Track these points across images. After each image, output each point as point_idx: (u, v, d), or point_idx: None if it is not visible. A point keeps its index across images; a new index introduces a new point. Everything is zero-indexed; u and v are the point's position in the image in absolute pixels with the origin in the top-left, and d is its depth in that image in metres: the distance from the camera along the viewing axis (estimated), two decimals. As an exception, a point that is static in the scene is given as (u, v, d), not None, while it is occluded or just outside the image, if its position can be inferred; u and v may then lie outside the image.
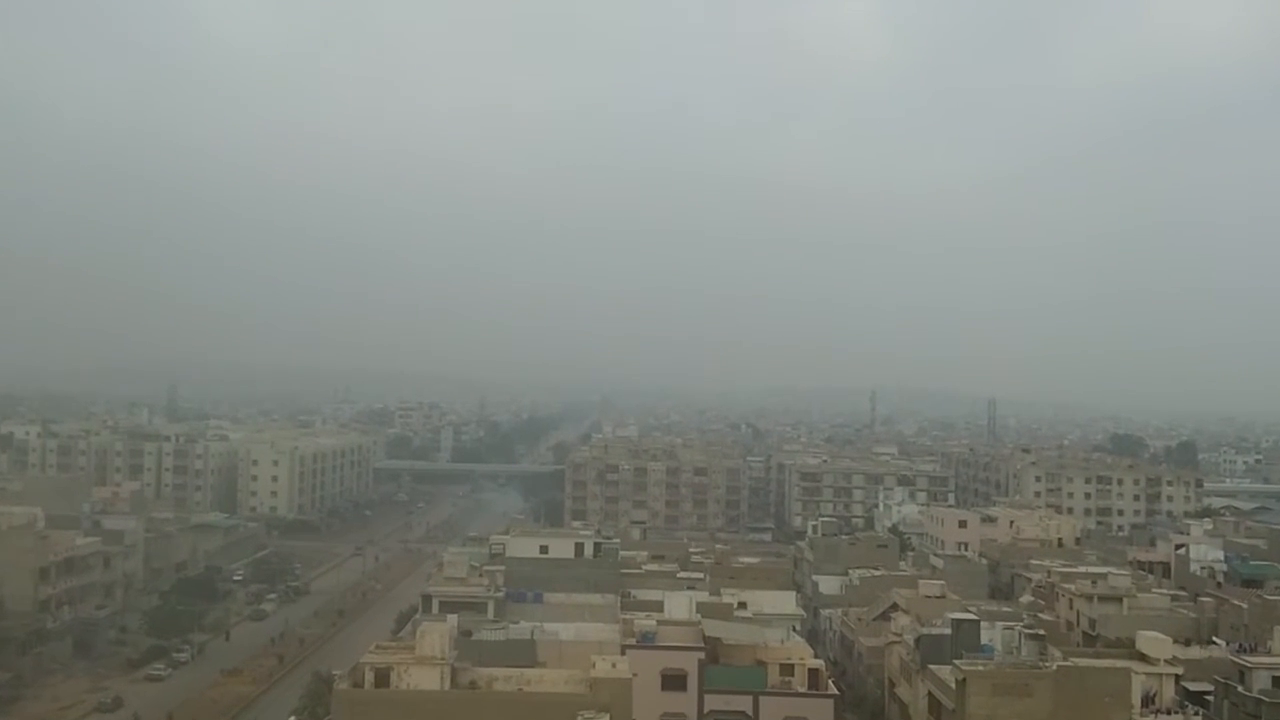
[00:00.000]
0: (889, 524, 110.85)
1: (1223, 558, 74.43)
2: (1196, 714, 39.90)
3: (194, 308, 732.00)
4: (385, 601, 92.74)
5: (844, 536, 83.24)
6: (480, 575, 57.80)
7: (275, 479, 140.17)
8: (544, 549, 65.27)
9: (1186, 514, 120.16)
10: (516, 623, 50.03)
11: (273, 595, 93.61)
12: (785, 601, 60.74)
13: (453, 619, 48.17)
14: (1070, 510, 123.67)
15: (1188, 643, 51.11)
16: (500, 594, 54.48)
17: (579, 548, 65.74)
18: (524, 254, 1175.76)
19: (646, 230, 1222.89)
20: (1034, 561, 72.81)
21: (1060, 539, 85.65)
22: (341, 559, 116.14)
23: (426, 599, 54.01)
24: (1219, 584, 67.42)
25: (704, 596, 56.19)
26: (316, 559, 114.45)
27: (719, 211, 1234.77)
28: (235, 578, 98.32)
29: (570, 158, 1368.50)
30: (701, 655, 44.75)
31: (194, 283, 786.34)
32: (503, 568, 59.28)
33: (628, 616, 50.41)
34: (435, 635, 35.45)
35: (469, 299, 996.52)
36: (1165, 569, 74.88)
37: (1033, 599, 64.52)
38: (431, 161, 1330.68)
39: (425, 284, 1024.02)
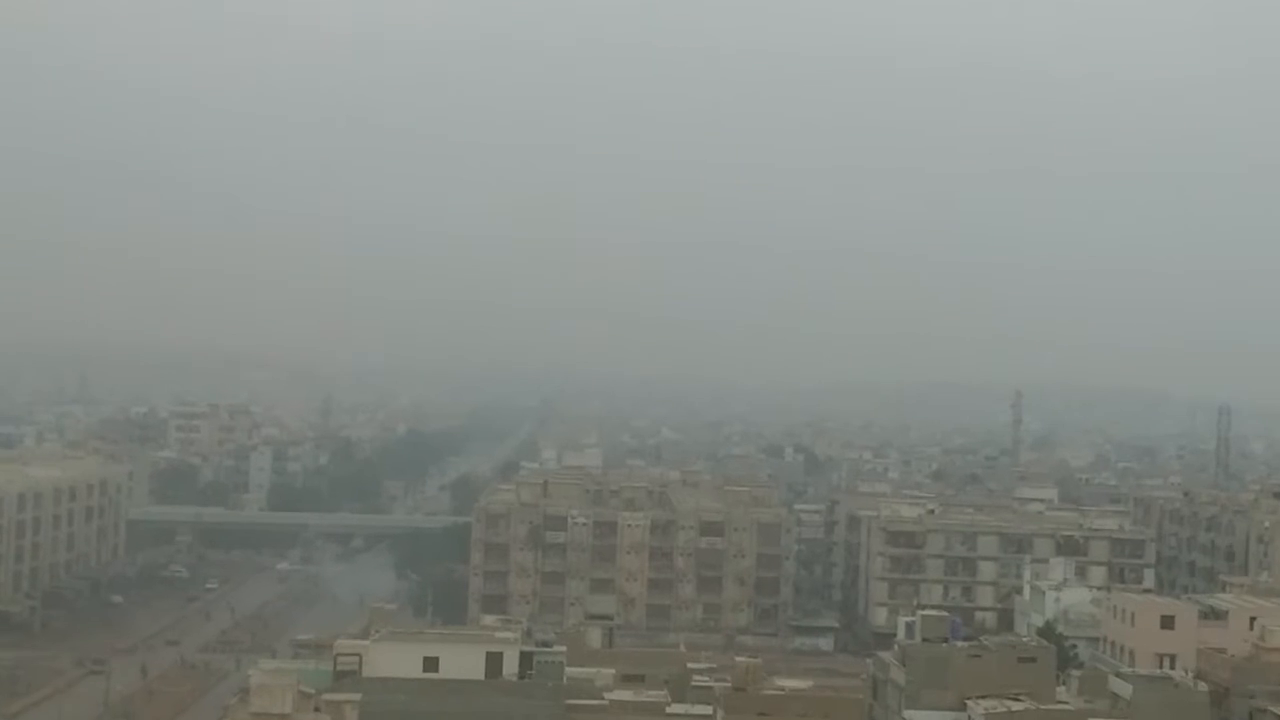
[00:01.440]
0: (1040, 621, 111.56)
1: None
2: None
3: None
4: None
5: (961, 643, 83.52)
6: (317, 709, 57.75)
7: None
8: (431, 663, 65.28)
9: None
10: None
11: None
12: (855, 756, 60.97)
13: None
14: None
15: None
16: (351, 741, 54.42)
17: (494, 660, 65.81)
18: (413, 164, 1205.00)
19: (627, 137, 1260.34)
20: (1291, 688, 73.62)
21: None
22: (68, 679, 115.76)
23: (218, 750, 53.87)
24: None
25: (712, 746, 56.48)
26: (21, 679, 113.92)
27: (754, 108, 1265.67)
28: None
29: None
30: None
31: None
32: (358, 696, 59.26)
33: (576, 781, 50.41)
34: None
35: (309, 234, 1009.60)
36: None
37: (1288, 752, 65.15)
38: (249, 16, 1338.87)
39: (229, 209, 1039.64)
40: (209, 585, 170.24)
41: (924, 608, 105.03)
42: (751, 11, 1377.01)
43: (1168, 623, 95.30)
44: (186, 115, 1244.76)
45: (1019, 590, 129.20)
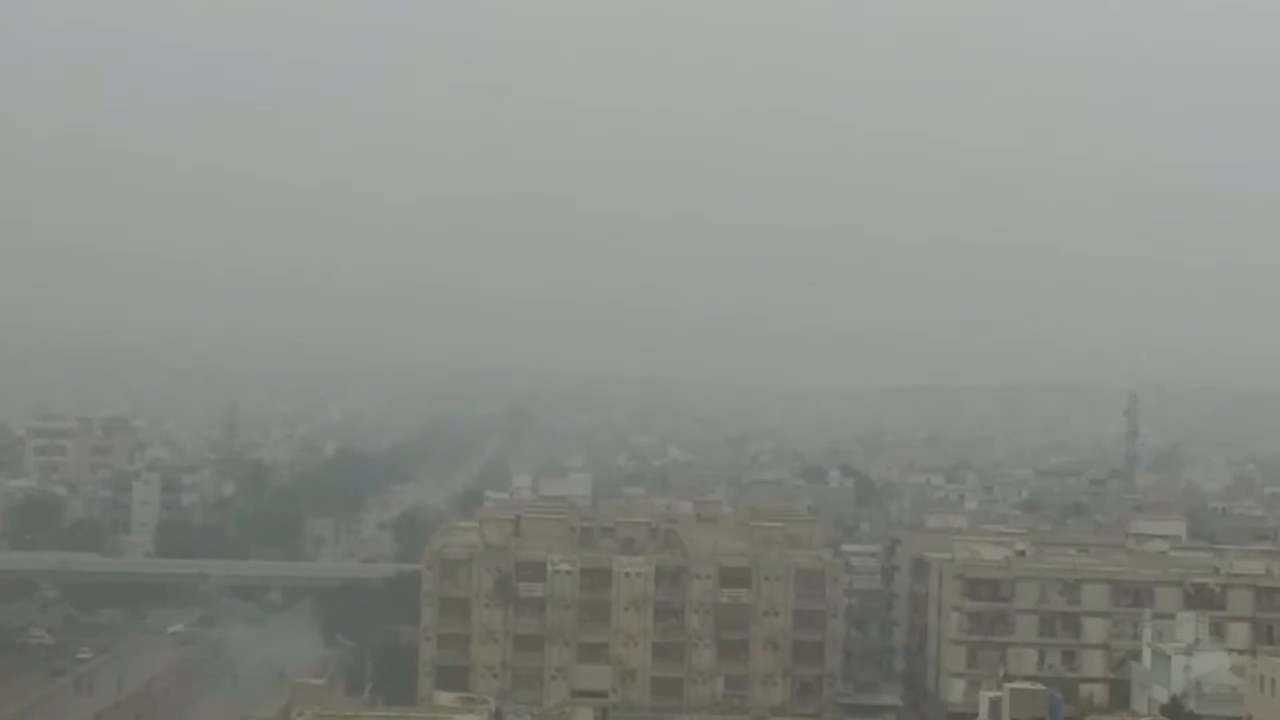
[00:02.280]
0: (1166, 695, 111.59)
1: None
2: None
3: None
4: None
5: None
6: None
7: None
8: (369, 755, 65.36)
9: None
10: None
11: None
12: None
13: None
14: None
15: None
16: None
17: (451, 752, 65.84)
18: (352, 120, 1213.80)
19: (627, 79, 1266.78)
20: None
21: None
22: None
23: None
24: None
25: None
26: None
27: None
28: None
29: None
30: None
31: None
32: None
33: None
34: None
35: (208, 202, 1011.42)
36: None
37: None
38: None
39: (101, 171, 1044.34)
40: (80, 654, 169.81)
41: (1013, 679, 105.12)
42: None
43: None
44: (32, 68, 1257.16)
45: (1137, 655, 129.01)
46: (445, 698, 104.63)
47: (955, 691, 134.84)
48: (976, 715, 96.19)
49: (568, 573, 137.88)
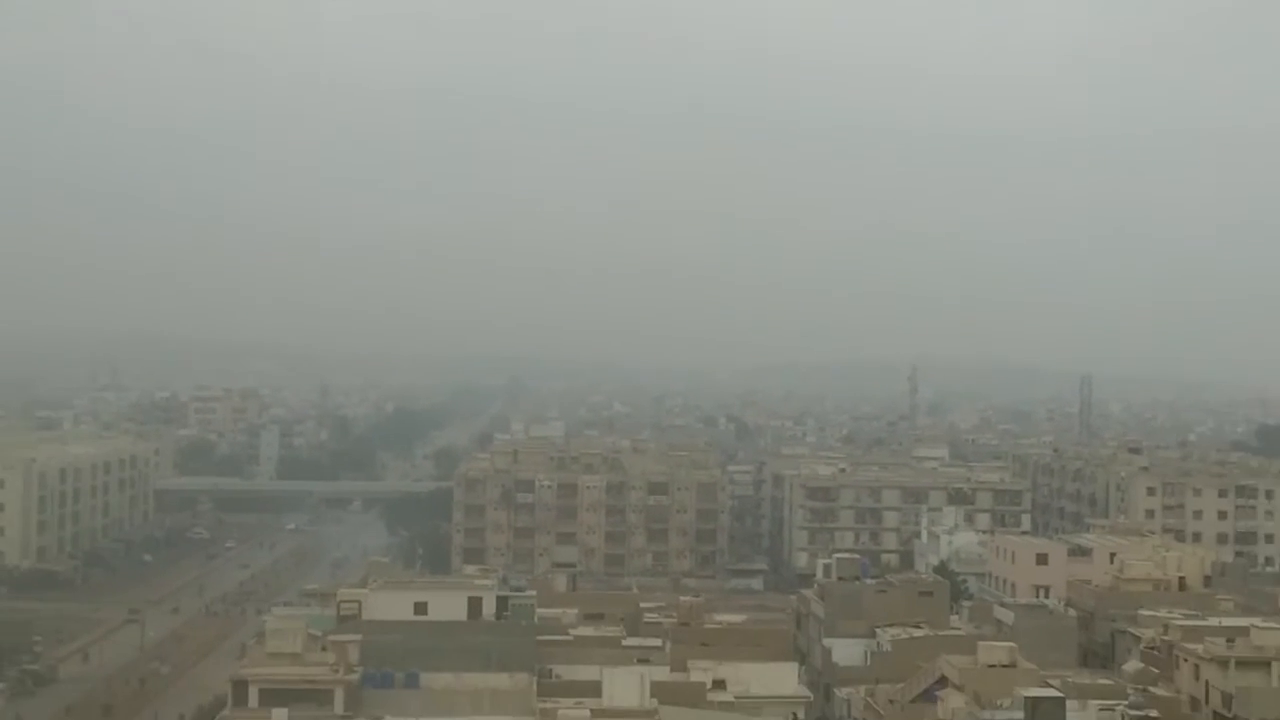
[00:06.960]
0: (936, 561, 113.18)
1: None
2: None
3: None
4: (177, 691, 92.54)
5: (870, 581, 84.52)
6: (324, 649, 57.74)
7: (0, 508, 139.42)
8: (421, 607, 65.33)
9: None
10: (380, 718, 50.73)
11: None
12: (783, 677, 62.06)
13: (281, 715, 48.46)
14: (1198, 537, 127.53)
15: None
16: (355, 676, 54.60)
17: (474, 604, 65.91)
18: (387, 161, 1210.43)
19: (576, 125, 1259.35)
20: (1145, 612, 74.99)
21: (1183, 578, 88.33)
22: (108, 628, 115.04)
23: (240, 686, 53.96)
24: None
25: (663, 673, 57.31)
26: (68, 628, 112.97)
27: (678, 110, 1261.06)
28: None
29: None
30: (659, 760, 45.51)
31: None
32: (358, 637, 59.29)
33: (549, 705, 51.19)
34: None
35: (303, 230, 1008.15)
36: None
37: (1143, 666, 66.64)
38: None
39: (227, 208, 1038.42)
40: (227, 545, 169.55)
41: (838, 552, 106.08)
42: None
43: (1042, 560, 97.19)
44: (181, 136, 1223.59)
45: (918, 535, 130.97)
46: (469, 569, 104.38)
47: (801, 560, 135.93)
48: (815, 575, 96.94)
49: (548, 487, 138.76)
